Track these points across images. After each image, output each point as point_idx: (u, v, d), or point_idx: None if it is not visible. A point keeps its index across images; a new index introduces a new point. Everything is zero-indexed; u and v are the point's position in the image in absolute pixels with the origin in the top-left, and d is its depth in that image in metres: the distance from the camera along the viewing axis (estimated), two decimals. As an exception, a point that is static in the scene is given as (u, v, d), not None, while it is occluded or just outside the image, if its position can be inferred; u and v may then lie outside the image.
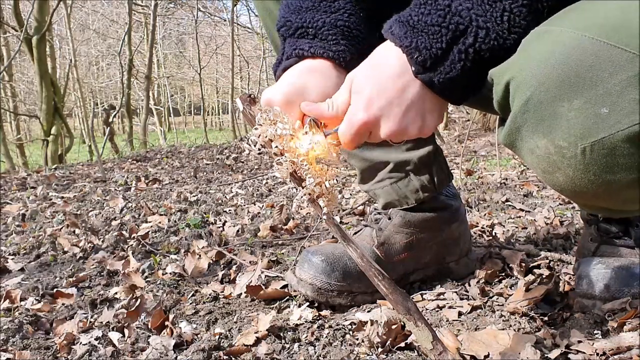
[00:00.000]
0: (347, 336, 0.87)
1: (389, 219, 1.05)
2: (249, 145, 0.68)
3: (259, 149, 0.68)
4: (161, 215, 1.91)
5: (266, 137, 0.67)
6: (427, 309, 0.95)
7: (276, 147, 0.66)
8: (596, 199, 0.65)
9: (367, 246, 1.03)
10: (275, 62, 0.78)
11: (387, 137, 0.65)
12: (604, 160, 0.57)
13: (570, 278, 1.03)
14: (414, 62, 0.60)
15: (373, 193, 1.10)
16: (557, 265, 1.13)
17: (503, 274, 1.10)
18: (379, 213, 1.09)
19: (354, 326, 0.89)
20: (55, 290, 1.18)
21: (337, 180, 0.68)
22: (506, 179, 2.26)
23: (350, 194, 2.17)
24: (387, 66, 0.63)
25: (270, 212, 1.88)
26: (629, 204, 0.64)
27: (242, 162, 3.74)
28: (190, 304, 1.05)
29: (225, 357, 0.82)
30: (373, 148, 1.04)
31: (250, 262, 1.28)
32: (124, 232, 1.64)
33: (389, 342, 0.81)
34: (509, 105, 0.60)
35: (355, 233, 1.10)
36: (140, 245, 1.50)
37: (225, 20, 12.01)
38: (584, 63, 0.54)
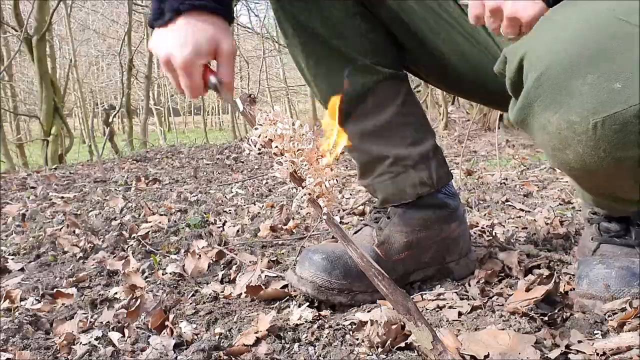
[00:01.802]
0: (347, 336, 0.87)
1: (388, 217, 1.05)
2: (249, 145, 0.68)
3: (259, 149, 0.68)
4: (161, 215, 1.91)
5: (266, 137, 0.67)
6: (427, 309, 0.95)
7: (276, 147, 0.66)
8: (605, 180, 0.65)
9: (368, 245, 1.03)
10: (153, 14, 0.86)
11: None
12: (615, 136, 0.56)
13: (570, 278, 1.03)
14: None
15: (372, 188, 1.09)
16: (557, 265, 1.13)
17: (503, 274, 1.10)
18: (379, 212, 1.09)
19: (354, 326, 0.89)
20: (55, 290, 1.18)
21: (337, 180, 0.68)
22: (506, 179, 2.26)
23: (350, 194, 2.17)
24: None
25: (270, 212, 1.88)
26: (636, 185, 0.64)
27: (242, 162, 3.74)
28: (190, 304, 1.05)
29: (225, 357, 0.82)
30: (374, 142, 1.04)
31: (250, 262, 1.28)
32: (124, 232, 1.64)
33: (389, 342, 0.81)
34: (522, 83, 0.60)
35: (355, 232, 1.09)
36: (140, 245, 1.50)
37: (225, 20, 11.98)
38: (601, 38, 0.54)
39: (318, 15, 0.98)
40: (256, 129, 0.68)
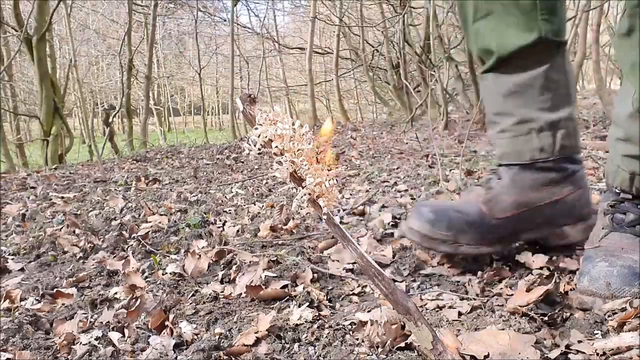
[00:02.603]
0: (347, 336, 0.87)
1: (499, 178, 1.08)
2: (249, 145, 0.68)
3: (259, 149, 0.68)
4: (161, 215, 1.91)
5: (266, 137, 0.67)
6: (427, 309, 0.95)
7: (276, 147, 0.66)
8: None
9: (473, 201, 1.07)
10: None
11: None
12: None
13: (570, 278, 1.03)
14: None
15: (494, 140, 1.13)
16: (557, 265, 1.13)
17: (503, 274, 1.10)
18: (492, 174, 1.12)
19: (354, 326, 0.89)
20: (55, 290, 1.18)
21: (337, 180, 0.68)
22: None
23: (351, 194, 2.17)
24: None
25: (270, 212, 1.88)
26: None
27: (242, 162, 3.74)
28: (190, 304, 1.05)
29: (225, 357, 0.82)
30: (508, 97, 1.06)
31: (250, 262, 1.28)
32: (124, 232, 1.64)
33: (389, 342, 0.80)
34: None
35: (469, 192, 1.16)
36: (140, 245, 1.50)
37: (225, 20, 12.01)
38: None
39: None
40: (256, 129, 0.68)
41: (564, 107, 1.06)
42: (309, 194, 0.66)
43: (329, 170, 0.67)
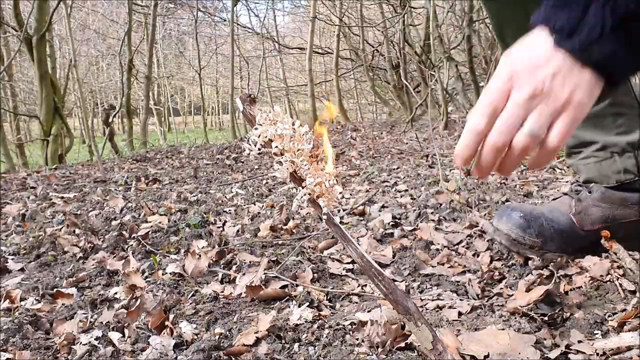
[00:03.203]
0: (347, 336, 0.87)
1: (589, 192, 1.12)
2: (249, 145, 0.68)
3: (259, 149, 0.68)
4: (161, 215, 1.91)
5: (266, 137, 0.67)
6: (427, 309, 0.95)
7: (276, 147, 0.67)
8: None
9: (565, 212, 1.11)
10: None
11: (528, 97, 0.56)
12: None
13: (569, 278, 1.03)
14: (553, 31, 0.56)
15: (576, 167, 1.17)
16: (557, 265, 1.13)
17: (503, 274, 1.10)
18: (580, 185, 1.15)
19: (354, 326, 0.89)
20: (55, 290, 1.18)
21: (337, 180, 0.68)
22: (506, 179, 2.26)
23: (350, 194, 2.17)
24: (533, 45, 0.58)
25: (270, 212, 1.88)
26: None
27: (242, 162, 3.74)
28: (190, 304, 1.05)
29: (225, 357, 0.82)
30: (585, 127, 1.11)
31: (250, 262, 1.28)
32: (124, 232, 1.64)
33: (389, 342, 0.80)
34: None
35: (555, 199, 1.20)
36: (141, 245, 1.50)
37: (225, 20, 12.01)
38: None
39: None
40: (256, 129, 0.68)
41: (638, 128, 1.10)
42: (309, 194, 0.66)
43: (328, 169, 0.67)
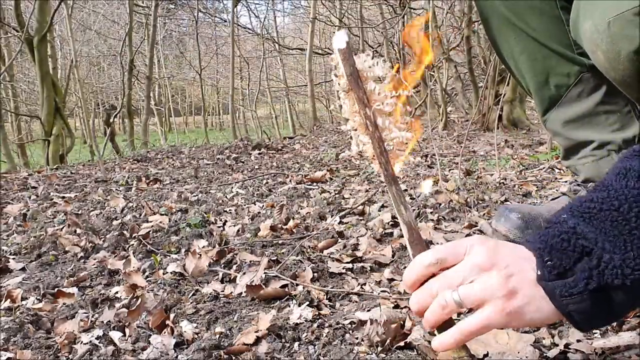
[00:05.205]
0: (347, 335, 0.87)
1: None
2: (336, 79, 0.63)
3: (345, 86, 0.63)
4: (162, 215, 1.92)
5: (364, 71, 0.62)
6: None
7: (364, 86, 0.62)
8: (629, 77, 0.79)
9: None
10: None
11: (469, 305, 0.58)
12: (623, 31, 0.73)
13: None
14: (541, 265, 0.54)
15: (574, 168, 1.17)
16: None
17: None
18: (579, 185, 1.15)
19: (353, 325, 0.89)
20: (56, 289, 1.18)
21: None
22: (505, 179, 2.26)
23: (350, 194, 2.18)
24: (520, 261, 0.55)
25: (270, 212, 1.88)
26: None
27: (242, 162, 3.74)
28: (191, 303, 1.06)
29: (225, 356, 0.82)
30: (578, 128, 1.12)
31: (250, 261, 1.28)
32: (124, 232, 1.64)
33: (388, 341, 0.81)
34: None
35: (554, 199, 1.19)
36: (141, 245, 1.50)
37: (225, 21, 12.03)
38: None
39: (527, 12, 1.07)
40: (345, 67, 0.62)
41: (633, 124, 1.10)
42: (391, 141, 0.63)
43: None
